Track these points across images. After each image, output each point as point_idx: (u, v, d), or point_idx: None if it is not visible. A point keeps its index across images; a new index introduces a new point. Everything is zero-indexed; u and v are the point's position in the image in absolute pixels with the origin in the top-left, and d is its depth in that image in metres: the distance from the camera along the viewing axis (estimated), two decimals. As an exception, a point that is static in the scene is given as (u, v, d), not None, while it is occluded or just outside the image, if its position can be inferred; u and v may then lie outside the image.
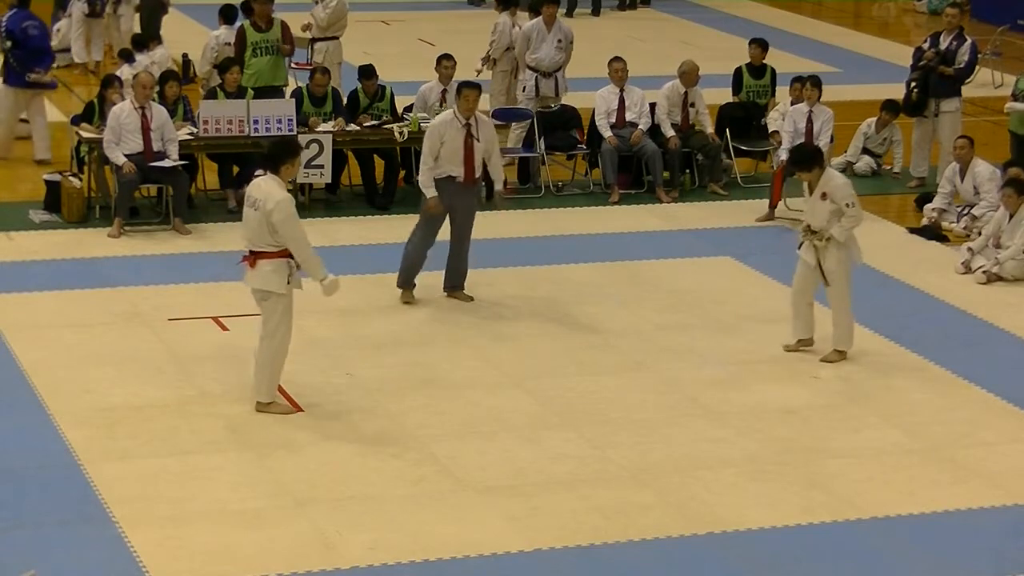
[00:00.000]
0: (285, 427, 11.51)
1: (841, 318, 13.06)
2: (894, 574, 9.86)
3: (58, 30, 23.14)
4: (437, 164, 13.82)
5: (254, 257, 11.54)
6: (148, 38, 20.92)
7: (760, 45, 18.70)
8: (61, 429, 11.32)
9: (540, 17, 18.82)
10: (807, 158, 13.10)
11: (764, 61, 18.67)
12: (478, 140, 13.84)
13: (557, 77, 18.80)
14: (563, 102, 18.71)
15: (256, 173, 16.80)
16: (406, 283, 14.12)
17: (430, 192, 13.83)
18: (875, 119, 18.87)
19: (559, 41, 18.79)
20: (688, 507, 10.50)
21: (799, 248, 13.12)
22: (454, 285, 14.22)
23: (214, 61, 19.00)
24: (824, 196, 12.84)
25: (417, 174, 14.52)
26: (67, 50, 22.94)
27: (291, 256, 11.52)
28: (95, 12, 22.62)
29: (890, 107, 18.79)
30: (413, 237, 14.13)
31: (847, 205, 12.81)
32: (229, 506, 10.29)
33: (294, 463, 10.94)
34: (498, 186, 14.34)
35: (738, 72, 18.71)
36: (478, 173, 13.99)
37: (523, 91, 18.80)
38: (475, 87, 14.03)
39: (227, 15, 19.66)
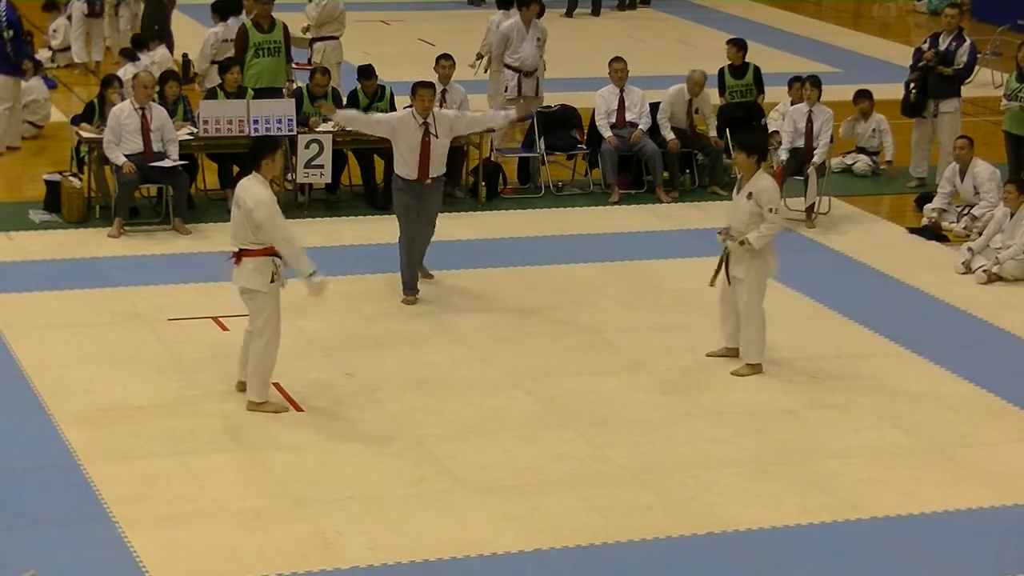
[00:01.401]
0: (285, 427, 11.52)
1: (750, 331, 12.68)
2: (894, 574, 9.87)
3: (55, 31, 23.13)
4: (396, 164, 13.94)
5: (239, 255, 11.62)
6: (148, 38, 20.90)
7: (736, 45, 18.65)
8: (61, 429, 11.32)
9: (518, 16, 18.82)
10: (758, 145, 12.84)
11: (747, 60, 18.62)
12: (436, 136, 13.85)
13: (537, 77, 18.84)
14: (561, 101, 18.77)
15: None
16: (409, 288, 14.12)
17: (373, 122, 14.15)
18: (854, 116, 18.84)
19: (538, 39, 18.82)
20: (688, 507, 10.50)
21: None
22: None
23: (213, 57, 19.01)
24: (750, 196, 12.50)
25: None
26: (67, 49, 22.94)
27: (275, 255, 11.54)
28: (95, 12, 22.61)
29: (864, 95, 18.79)
30: (399, 241, 14.16)
31: (770, 210, 12.43)
32: (229, 506, 10.29)
33: (294, 463, 10.94)
34: (511, 114, 14.71)
35: (721, 73, 18.71)
36: (434, 172, 13.94)
37: (505, 91, 18.76)
38: (430, 86, 14.09)
39: (221, 11, 19.64)
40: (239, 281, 11.71)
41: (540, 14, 18.92)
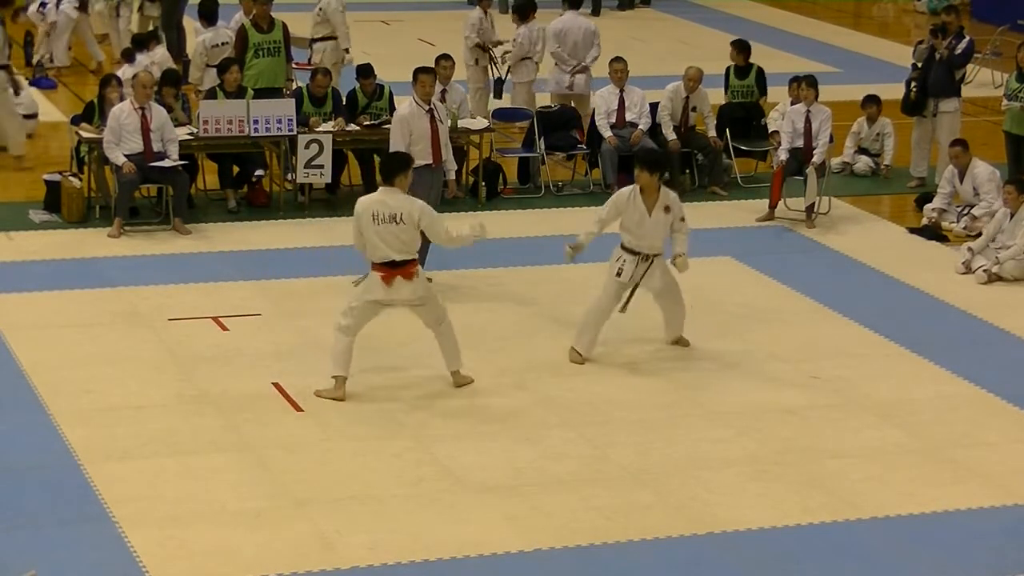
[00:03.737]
0: (285, 427, 11.52)
1: (682, 310, 13.20)
2: (894, 574, 9.87)
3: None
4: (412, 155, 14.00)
5: (409, 268, 11.84)
6: (148, 38, 20.85)
7: (736, 47, 18.71)
8: (61, 429, 11.32)
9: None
10: (662, 163, 13.14)
11: (751, 62, 18.66)
12: (441, 122, 14.28)
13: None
14: (563, 102, 18.90)
15: (257, 173, 16.95)
16: None
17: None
18: (863, 117, 18.89)
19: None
20: (688, 507, 10.50)
21: (619, 275, 12.81)
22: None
23: (205, 63, 19.05)
24: (667, 209, 12.75)
25: None
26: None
27: None
28: (83, 6, 22.57)
29: (872, 100, 18.84)
30: None
31: (682, 219, 12.86)
32: (229, 506, 10.29)
33: (294, 463, 10.94)
34: (451, 176, 14.70)
35: (727, 72, 18.77)
36: (444, 155, 14.34)
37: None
38: (430, 72, 14.40)
39: (207, 16, 19.64)
40: (417, 292, 11.96)
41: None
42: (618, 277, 12.83)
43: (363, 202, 11.96)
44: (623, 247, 12.86)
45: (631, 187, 12.88)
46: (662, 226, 12.77)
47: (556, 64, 19.37)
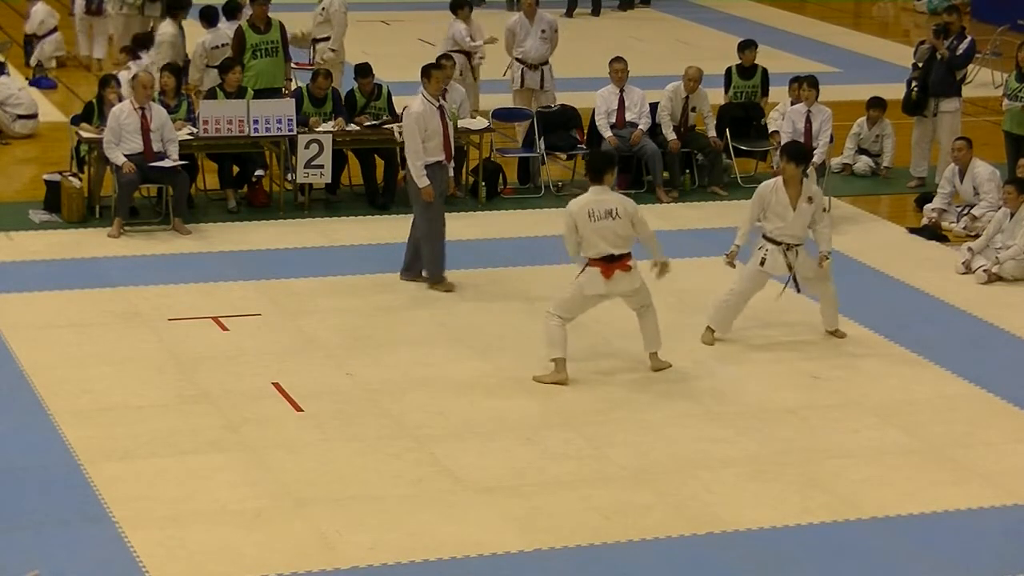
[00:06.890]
0: (285, 427, 11.52)
1: (835, 305, 13.48)
2: (894, 574, 9.87)
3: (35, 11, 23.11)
4: (425, 151, 14.09)
5: (626, 261, 12.29)
6: (148, 38, 20.85)
7: (753, 47, 18.71)
8: (61, 429, 11.32)
9: (521, 11, 19.36)
10: (808, 154, 13.41)
11: (755, 62, 18.68)
12: (448, 119, 14.36)
13: (543, 70, 19.13)
14: (561, 102, 18.79)
15: (257, 173, 16.95)
16: (438, 274, 14.25)
17: (424, 181, 14.03)
18: (864, 118, 18.92)
19: (543, 32, 19.20)
20: (688, 507, 10.51)
21: (763, 264, 13.16)
22: (420, 269, 14.47)
23: (206, 64, 19.06)
24: (810, 200, 13.05)
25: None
26: (49, 34, 22.87)
27: None
28: (91, 10, 22.63)
29: (876, 103, 18.87)
30: (420, 230, 14.23)
31: (824, 209, 13.14)
32: (229, 506, 10.29)
33: (294, 463, 10.94)
34: (450, 174, 14.70)
35: (728, 72, 18.74)
36: (451, 150, 14.45)
37: (512, 82, 19.13)
38: (442, 68, 14.66)
39: (208, 18, 19.66)
40: (634, 283, 12.40)
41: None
42: (762, 266, 13.19)
43: (577, 202, 12.38)
44: (766, 237, 13.18)
45: (774, 179, 13.21)
46: (807, 216, 13.07)
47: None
